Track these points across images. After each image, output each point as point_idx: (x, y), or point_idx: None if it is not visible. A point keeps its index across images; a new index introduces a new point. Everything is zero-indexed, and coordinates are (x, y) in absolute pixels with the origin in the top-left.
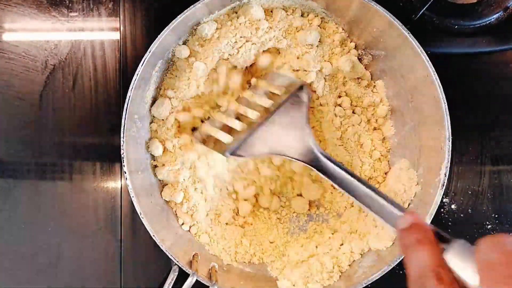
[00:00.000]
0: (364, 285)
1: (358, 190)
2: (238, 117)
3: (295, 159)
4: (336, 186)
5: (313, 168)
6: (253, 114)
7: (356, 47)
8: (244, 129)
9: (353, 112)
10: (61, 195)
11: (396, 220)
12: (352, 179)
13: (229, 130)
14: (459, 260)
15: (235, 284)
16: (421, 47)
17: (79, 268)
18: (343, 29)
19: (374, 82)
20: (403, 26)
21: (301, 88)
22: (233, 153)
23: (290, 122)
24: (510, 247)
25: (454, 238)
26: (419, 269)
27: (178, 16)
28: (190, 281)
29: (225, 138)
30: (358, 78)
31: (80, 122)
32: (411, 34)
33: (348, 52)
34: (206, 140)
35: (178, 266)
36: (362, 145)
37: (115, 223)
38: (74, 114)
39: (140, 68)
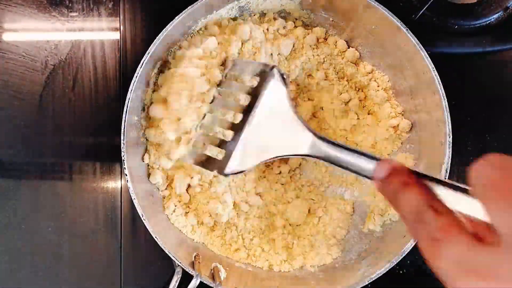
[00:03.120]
0: (367, 283)
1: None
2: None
3: (296, 155)
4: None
5: (318, 159)
6: (236, 117)
7: (352, 44)
8: (231, 137)
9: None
10: (61, 195)
11: (373, 171)
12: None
13: (213, 140)
14: (450, 192)
15: (238, 283)
16: (420, 44)
17: (79, 268)
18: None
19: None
20: (401, 22)
21: (271, 72)
22: (232, 171)
23: (276, 115)
24: (507, 162)
25: (434, 176)
26: (413, 208)
27: (177, 17)
28: (194, 282)
29: (217, 154)
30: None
31: (80, 122)
32: (409, 31)
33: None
34: (198, 159)
35: (182, 267)
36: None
37: (115, 223)
38: (74, 114)
39: (139, 70)
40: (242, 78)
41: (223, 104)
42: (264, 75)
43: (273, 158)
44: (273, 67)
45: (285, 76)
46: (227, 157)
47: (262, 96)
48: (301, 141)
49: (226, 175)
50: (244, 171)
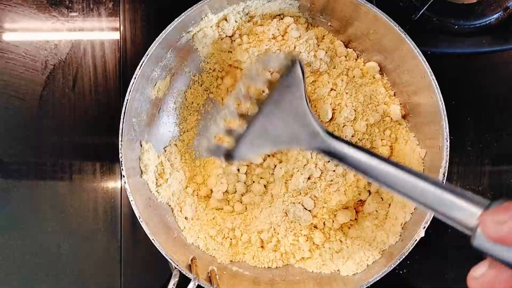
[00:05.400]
0: (367, 283)
1: (389, 176)
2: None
3: (302, 149)
4: (360, 174)
5: (325, 155)
6: (252, 109)
7: (350, 47)
8: (242, 126)
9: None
10: (61, 195)
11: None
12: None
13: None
14: None
15: (235, 286)
16: (417, 48)
17: (79, 269)
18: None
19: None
20: (399, 26)
21: (293, 64)
22: (238, 158)
23: (289, 108)
24: None
25: None
26: None
27: (177, 18)
28: (192, 285)
29: (229, 143)
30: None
31: (80, 122)
32: (407, 35)
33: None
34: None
35: (179, 270)
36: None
37: (115, 223)
38: (74, 114)
39: (137, 71)
40: (264, 73)
41: (242, 95)
42: (284, 68)
43: (281, 148)
44: (294, 59)
45: (303, 69)
46: (236, 145)
47: (279, 86)
48: (312, 135)
49: (232, 161)
50: (249, 158)
